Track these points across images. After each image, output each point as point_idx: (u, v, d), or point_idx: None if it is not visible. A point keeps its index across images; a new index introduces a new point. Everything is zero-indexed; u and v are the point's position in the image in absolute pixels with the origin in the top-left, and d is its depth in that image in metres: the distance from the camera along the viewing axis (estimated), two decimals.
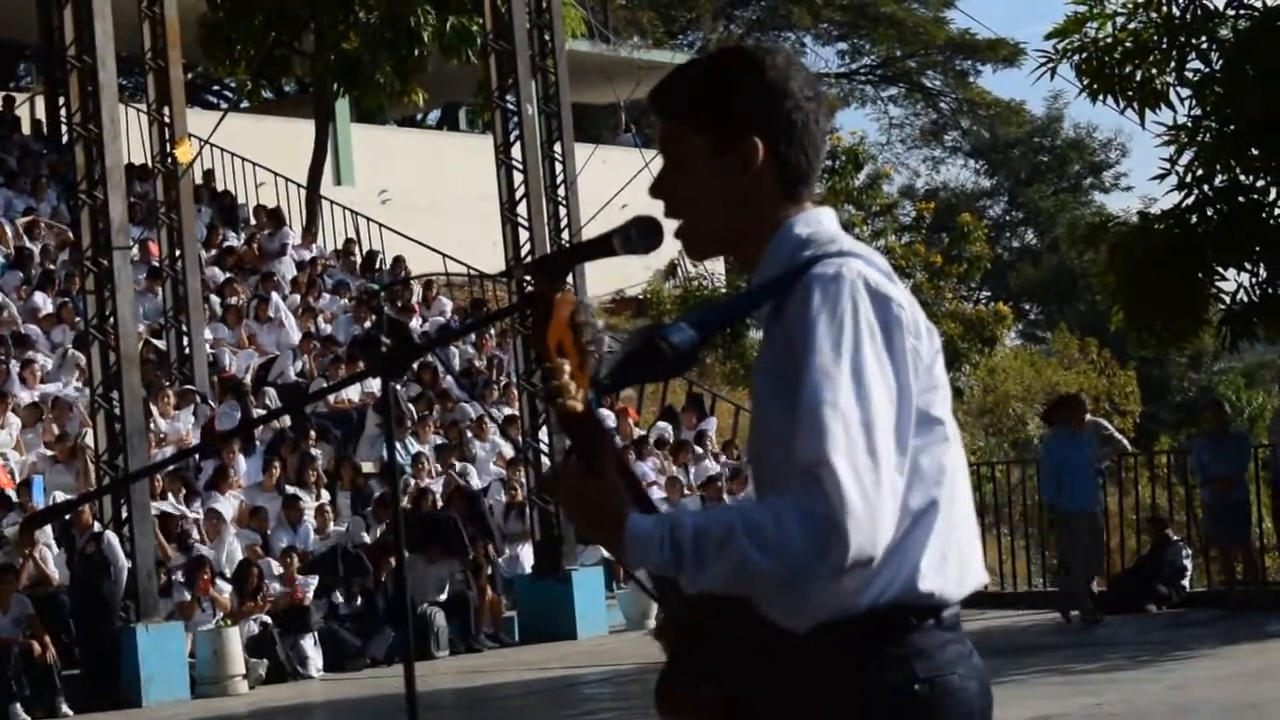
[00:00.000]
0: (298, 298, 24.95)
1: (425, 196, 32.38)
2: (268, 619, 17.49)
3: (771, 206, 3.06)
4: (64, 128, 18.85)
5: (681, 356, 2.92)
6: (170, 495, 18.69)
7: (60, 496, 17.85)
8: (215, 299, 23.95)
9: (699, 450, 23.64)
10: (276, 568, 18.09)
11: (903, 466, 2.87)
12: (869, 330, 2.86)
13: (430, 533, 19.05)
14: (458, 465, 21.32)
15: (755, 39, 47.73)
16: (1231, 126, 15.78)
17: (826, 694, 2.95)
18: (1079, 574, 16.94)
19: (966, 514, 3.02)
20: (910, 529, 2.91)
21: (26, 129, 28.52)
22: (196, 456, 19.64)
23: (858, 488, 2.75)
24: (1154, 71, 16.27)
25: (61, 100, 19.84)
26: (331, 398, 22.08)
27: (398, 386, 21.99)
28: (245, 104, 32.72)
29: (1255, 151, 15.91)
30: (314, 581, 18.09)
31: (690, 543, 2.81)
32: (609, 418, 23.23)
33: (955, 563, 2.97)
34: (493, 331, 25.43)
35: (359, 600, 18.41)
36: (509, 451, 22.09)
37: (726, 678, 3.06)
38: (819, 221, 3.06)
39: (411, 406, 22.39)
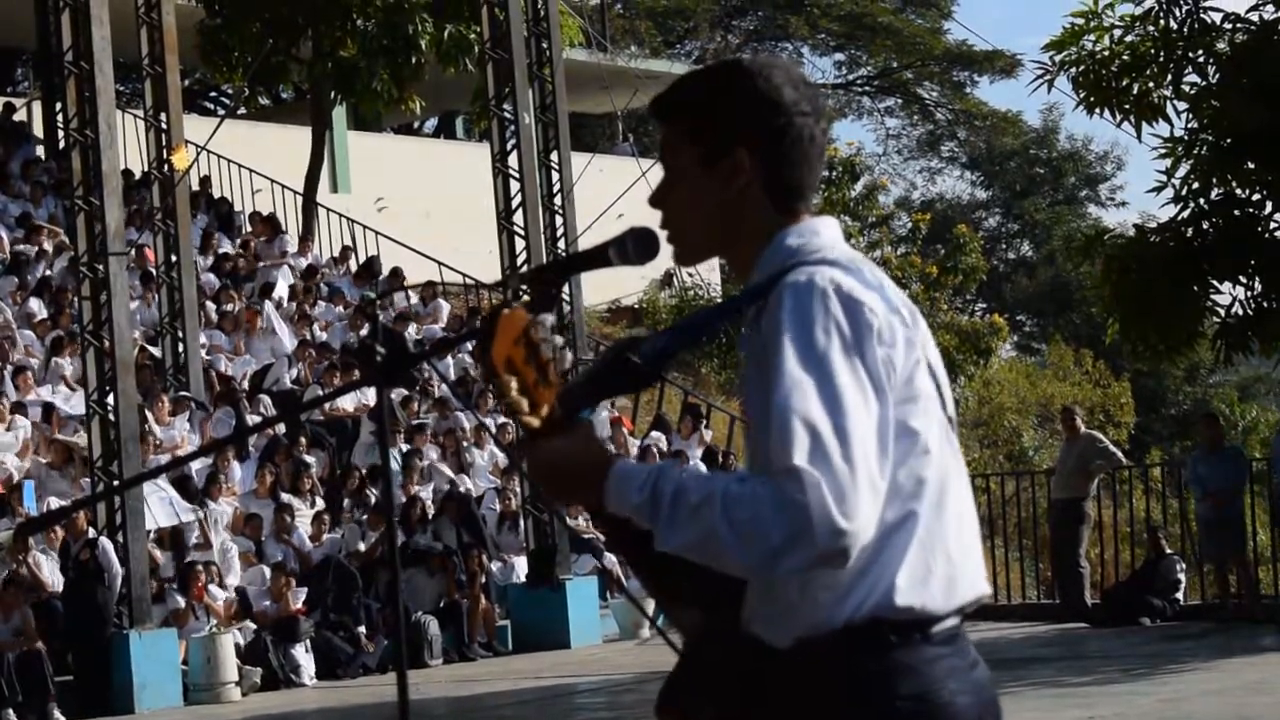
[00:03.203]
0: (294, 305, 24.94)
1: (422, 204, 32.36)
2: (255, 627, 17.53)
3: (762, 219, 3.07)
4: (61, 133, 18.86)
5: (653, 368, 2.93)
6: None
7: (54, 502, 17.84)
8: (211, 305, 23.95)
9: (694, 461, 23.62)
10: (267, 578, 18.11)
11: (885, 468, 2.84)
12: (838, 335, 2.85)
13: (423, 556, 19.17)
14: (452, 472, 21.31)
15: (752, 49, 47.73)
16: (1228, 140, 15.78)
17: (810, 713, 2.95)
18: None
19: (960, 525, 3.00)
20: (884, 543, 2.88)
21: (24, 134, 28.49)
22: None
23: (822, 492, 2.73)
24: (1151, 85, 16.28)
25: (59, 106, 19.86)
26: (326, 404, 22.07)
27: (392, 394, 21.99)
28: (242, 110, 32.74)
29: (1251, 165, 15.91)
30: (303, 593, 18.10)
31: (670, 495, 2.82)
32: (604, 426, 23.22)
33: (942, 576, 2.94)
34: None
35: (351, 609, 18.39)
36: (504, 461, 22.08)
37: (721, 698, 3.06)
38: (814, 232, 3.06)
39: (402, 412, 22.38)
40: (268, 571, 18.27)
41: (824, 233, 3.06)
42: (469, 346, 25.21)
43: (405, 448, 21.34)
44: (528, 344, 2.84)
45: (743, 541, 2.76)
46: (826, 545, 2.75)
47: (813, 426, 2.77)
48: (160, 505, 18.03)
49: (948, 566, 2.96)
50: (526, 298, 3.01)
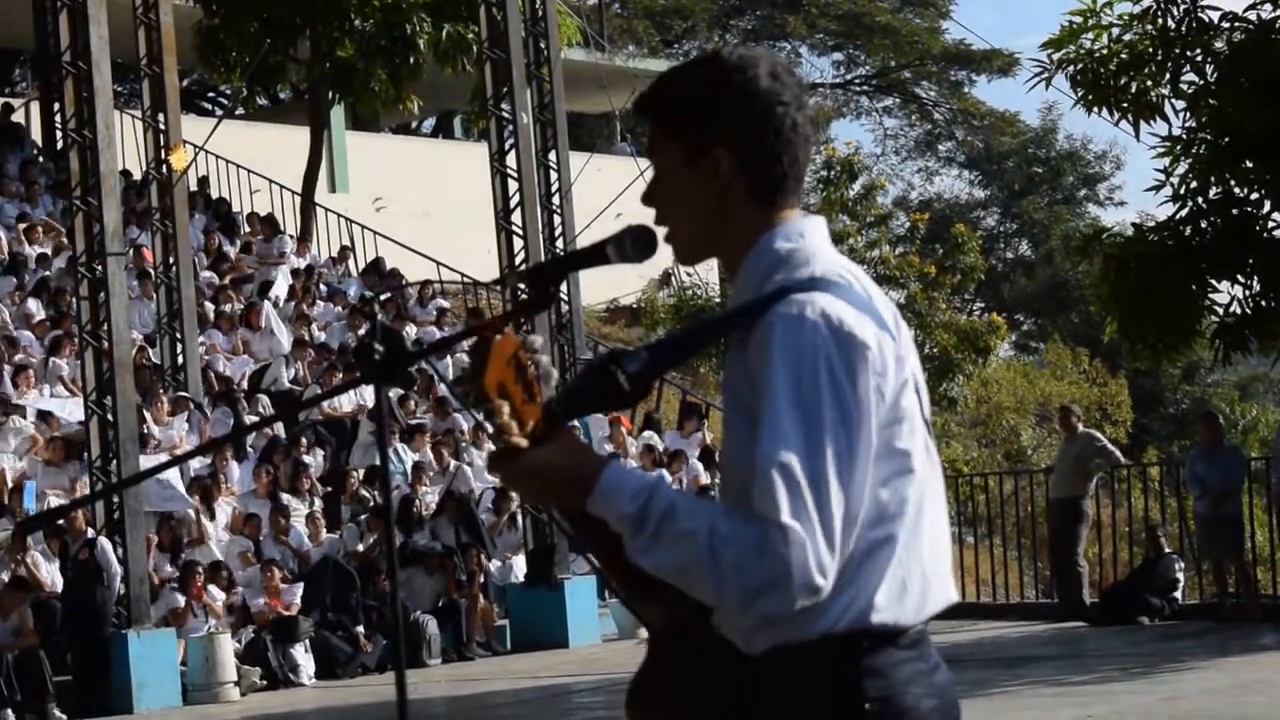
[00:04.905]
0: (292, 305, 24.94)
1: (420, 204, 32.37)
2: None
3: (745, 217, 3.05)
4: (59, 134, 18.87)
5: (635, 386, 2.92)
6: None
7: (53, 502, 17.83)
8: (209, 305, 23.94)
9: (693, 460, 23.59)
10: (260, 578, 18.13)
11: (858, 514, 2.87)
12: (828, 374, 2.85)
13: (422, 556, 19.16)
14: (451, 469, 21.30)
15: (750, 48, 47.54)
16: (1226, 139, 15.79)
17: (779, 717, 2.96)
18: None
19: (934, 539, 3.02)
20: (865, 562, 2.92)
21: (21, 134, 28.47)
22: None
23: (805, 551, 2.78)
24: (1149, 83, 16.27)
25: (56, 106, 19.86)
26: (325, 404, 22.08)
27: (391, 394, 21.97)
28: (240, 111, 32.74)
29: (1250, 164, 15.91)
30: (297, 590, 18.09)
31: (659, 514, 2.83)
32: (603, 425, 23.21)
33: (916, 590, 2.97)
34: None
35: (350, 609, 18.40)
36: None
37: (683, 702, 3.06)
38: (800, 235, 3.04)
39: (400, 412, 22.38)
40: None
41: (810, 235, 3.04)
42: (467, 345, 25.27)
43: (403, 448, 21.34)
44: (516, 365, 2.85)
45: (723, 579, 2.80)
46: (800, 598, 2.81)
47: (797, 480, 2.80)
48: (154, 489, 18.01)
49: (921, 582, 2.98)
50: (525, 297, 3.01)
